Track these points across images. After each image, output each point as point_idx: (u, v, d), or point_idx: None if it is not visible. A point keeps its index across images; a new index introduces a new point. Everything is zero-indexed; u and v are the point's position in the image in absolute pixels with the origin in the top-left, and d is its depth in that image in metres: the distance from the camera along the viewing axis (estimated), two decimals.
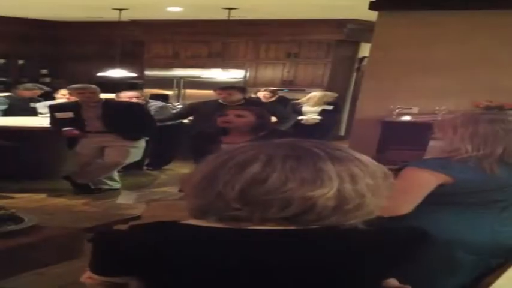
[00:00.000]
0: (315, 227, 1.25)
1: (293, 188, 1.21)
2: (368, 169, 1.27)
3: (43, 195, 6.62)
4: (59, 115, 6.79)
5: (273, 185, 1.22)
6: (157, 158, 8.36)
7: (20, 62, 12.76)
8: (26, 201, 6.21)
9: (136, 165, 7.63)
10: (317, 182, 1.22)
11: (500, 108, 5.44)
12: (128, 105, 7.23)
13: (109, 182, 6.95)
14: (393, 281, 1.47)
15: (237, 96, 6.91)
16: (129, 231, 1.35)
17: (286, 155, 1.25)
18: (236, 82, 10.65)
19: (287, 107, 9.09)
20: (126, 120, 6.65)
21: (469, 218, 2.29)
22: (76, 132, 6.69)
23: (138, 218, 3.82)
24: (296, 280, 1.26)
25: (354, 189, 1.24)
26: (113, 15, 10.49)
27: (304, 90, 10.09)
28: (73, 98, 7.06)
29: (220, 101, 6.93)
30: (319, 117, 9.05)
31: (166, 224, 1.34)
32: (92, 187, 6.83)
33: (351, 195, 1.24)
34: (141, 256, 1.27)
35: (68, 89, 7.26)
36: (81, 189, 6.77)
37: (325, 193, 1.22)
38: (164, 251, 1.26)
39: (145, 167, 8.28)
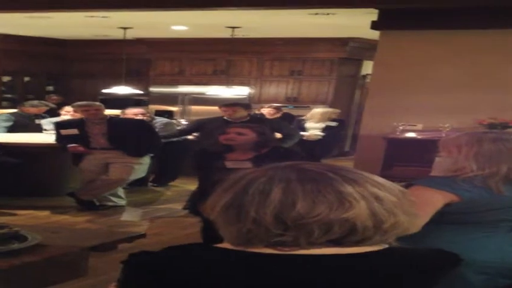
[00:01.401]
0: (363, 251, 1.25)
1: (324, 211, 1.21)
2: (386, 188, 1.28)
3: (47, 212, 6.62)
4: (64, 132, 6.82)
5: (303, 209, 1.21)
6: (162, 174, 8.37)
7: (26, 79, 12.84)
8: (30, 218, 6.22)
9: (142, 182, 7.64)
10: (345, 204, 1.22)
11: (504, 125, 5.45)
12: (133, 122, 7.26)
13: (114, 199, 6.96)
14: None
15: (242, 113, 6.92)
16: (166, 254, 1.32)
17: (301, 179, 1.25)
18: (240, 99, 10.70)
19: (293, 124, 9.12)
20: (131, 137, 6.68)
21: (478, 237, 2.28)
22: (81, 148, 6.72)
23: (143, 236, 3.83)
24: None
25: (384, 209, 1.24)
26: (118, 34, 10.59)
27: (308, 107, 10.15)
28: (78, 115, 7.09)
29: (225, 117, 6.94)
30: (321, 134, 9.06)
31: (207, 247, 1.32)
32: (97, 204, 6.84)
33: (384, 214, 1.24)
34: (179, 283, 1.25)
35: (73, 106, 7.30)
36: (86, 205, 6.77)
37: (359, 214, 1.22)
38: (209, 278, 1.24)
39: (150, 184, 8.29)
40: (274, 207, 1.22)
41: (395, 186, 1.30)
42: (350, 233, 1.23)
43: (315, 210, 1.21)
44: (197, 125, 7.74)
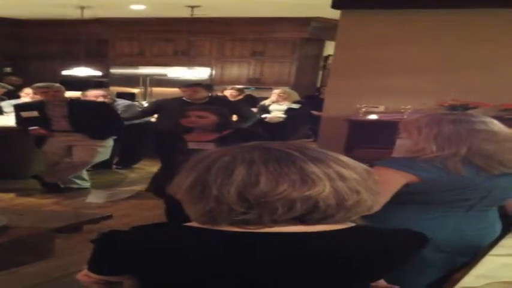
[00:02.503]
0: (328, 229, 1.28)
1: (287, 190, 1.24)
2: (350, 167, 1.31)
3: (11, 195, 6.55)
4: (24, 114, 6.73)
5: (266, 187, 1.24)
6: (126, 156, 8.33)
7: None
8: None
9: (105, 164, 7.60)
10: (308, 182, 1.25)
11: (465, 107, 5.49)
12: (94, 105, 7.18)
13: (78, 181, 6.91)
14: (381, 282, 1.50)
15: (202, 93, 6.91)
16: (132, 232, 1.36)
17: (265, 158, 1.27)
18: (202, 80, 10.65)
19: (257, 106, 9.16)
20: (93, 120, 6.62)
21: (437, 216, 2.31)
22: (43, 131, 6.65)
23: (109, 217, 3.85)
24: (307, 278, 1.28)
25: (347, 187, 1.27)
26: (76, 13, 10.40)
27: (271, 88, 10.13)
28: (37, 97, 7.00)
29: (184, 98, 6.94)
30: (283, 116, 9.10)
31: (175, 226, 1.36)
32: (62, 186, 6.79)
33: (347, 192, 1.27)
34: (142, 257, 1.28)
35: (32, 88, 7.19)
36: (51, 188, 6.71)
37: (321, 192, 1.25)
38: (173, 253, 1.27)
39: (114, 166, 8.25)
40: (237, 185, 1.25)
41: (360, 165, 1.33)
42: (312, 211, 1.26)
43: (277, 188, 1.24)
44: (156, 106, 7.71)
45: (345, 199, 1.27)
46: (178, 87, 7.35)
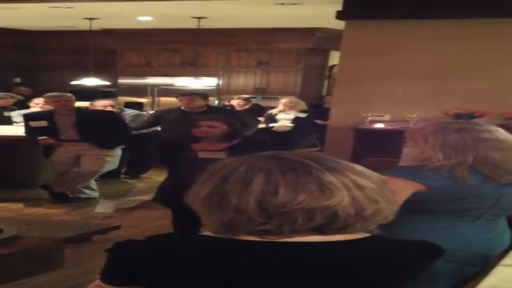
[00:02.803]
0: (346, 238, 1.28)
1: (306, 199, 1.23)
2: (366, 176, 1.30)
3: (20, 205, 6.57)
4: (33, 124, 6.78)
5: (285, 197, 1.23)
6: (134, 166, 8.35)
7: None
8: (3, 211, 6.16)
9: (114, 174, 7.62)
10: (326, 192, 1.24)
11: (471, 115, 5.50)
12: (102, 114, 7.24)
13: (87, 191, 6.94)
14: None
15: (199, 102, 6.98)
16: (147, 241, 1.35)
17: (282, 168, 1.27)
18: (209, 90, 10.72)
19: (264, 115, 9.19)
20: (101, 129, 6.66)
21: (445, 226, 2.29)
22: (51, 141, 6.69)
23: (117, 227, 3.86)
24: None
25: (364, 196, 1.26)
26: (85, 25, 10.49)
27: (277, 98, 10.18)
28: (47, 107, 7.05)
29: (182, 108, 6.99)
30: (290, 125, 9.12)
31: (191, 235, 1.35)
32: (70, 196, 6.81)
33: (365, 201, 1.26)
34: (157, 267, 1.28)
35: (44, 97, 7.25)
36: (59, 198, 6.74)
37: (340, 201, 1.24)
38: (190, 263, 1.26)
39: (122, 176, 8.27)
40: (256, 195, 1.24)
41: (376, 175, 1.33)
42: (332, 221, 1.25)
43: (296, 198, 1.23)
44: (156, 117, 7.76)
45: (364, 208, 1.26)
46: (175, 97, 7.40)
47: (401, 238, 1.41)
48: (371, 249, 1.31)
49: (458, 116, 5.46)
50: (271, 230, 1.25)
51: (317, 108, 9.91)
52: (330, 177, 1.26)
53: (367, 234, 1.32)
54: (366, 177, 1.30)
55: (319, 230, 1.26)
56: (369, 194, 1.27)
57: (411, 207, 2.21)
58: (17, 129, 7.33)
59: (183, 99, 7.08)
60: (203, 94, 7.58)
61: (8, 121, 8.07)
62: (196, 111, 6.56)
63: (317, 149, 8.51)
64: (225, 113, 6.35)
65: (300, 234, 1.26)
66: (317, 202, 1.23)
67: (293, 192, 1.24)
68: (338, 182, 1.25)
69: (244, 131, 6.79)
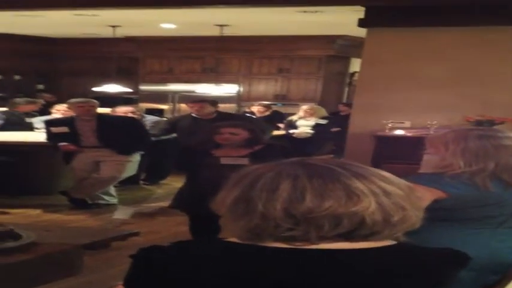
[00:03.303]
0: (374, 246, 1.26)
1: (333, 205, 1.22)
2: (393, 182, 1.28)
3: (39, 211, 6.62)
4: (54, 130, 6.84)
5: (312, 203, 1.22)
6: (153, 172, 8.38)
7: (17, 77, 12.81)
8: (22, 217, 6.21)
9: (133, 180, 7.65)
10: (353, 198, 1.23)
11: (491, 122, 5.46)
12: (123, 120, 7.28)
13: (106, 197, 6.97)
14: None
15: (209, 109, 7.01)
16: (172, 247, 1.32)
17: (309, 174, 1.26)
18: (230, 97, 10.75)
19: (284, 121, 9.19)
20: (121, 135, 6.70)
21: (467, 233, 2.28)
22: (72, 147, 6.73)
23: (136, 234, 3.86)
24: None
25: (392, 203, 1.25)
26: (108, 32, 10.58)
27: (297, 105, 10.19)
28: (68, 113, 7.10)
29: (193, 114, 7.00)
30: (310, 131, 9.11)
31: (216, 241, 1.33)
32: (89, 202, 6.85)
33: (392, 208, 1.25)
34: (184, 274, 1.26)
35: (68, 103, 7.31)
36: (78, 204, 6.78)
37: (367, 207, 1.23)
38: (219, 272, 1.25)
39: (141, 182, 8.30)
40: (283, 201, 1.23)
41: (402, 181, 1.30)
42: (359, 227, 1.23)
43: (323, 204, 1.22)
44: (170, 125, 7.81)
45: (391, 215, 1.25)
46: (185, 103, 7.42)
47: (426, 246, 1.39)
48: (398, 256, 1.29)
49: (479, 123, 5.44)
50: (297, 236, 1.24)
51: (335, 116, 9.91)
52: (357, 183, 1.24)
53: (394, 242, 1.30)
54: (393, 183, 1.28)
55: (346, 237, 1.24)
56: (396, 201, 1.26)
57: (431, 214, 2.18)
58: (38, 136, 7.39)
59: (193, 106, 7.13)
60: (213, 101, 7.61)
61: (30, 127, 8.15)
62: (206, 117, 6.58)
63: (331, 156, 8.48)
64: (236, 119, 6.34)
65: (327, 240, 1.25)
66: (344, 208, 1.22)
67: (320, 198, 1.22)
68: (365, 188, 1.24)
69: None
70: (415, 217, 1.30)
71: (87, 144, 6.76)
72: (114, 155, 6.70)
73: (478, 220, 2.28)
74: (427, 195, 2.19)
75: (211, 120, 6.12)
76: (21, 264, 2.93)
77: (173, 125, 7.60)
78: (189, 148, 4.88)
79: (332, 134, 9.14)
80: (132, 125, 7.10)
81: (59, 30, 11.39)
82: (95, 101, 7.04)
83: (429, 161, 2.38)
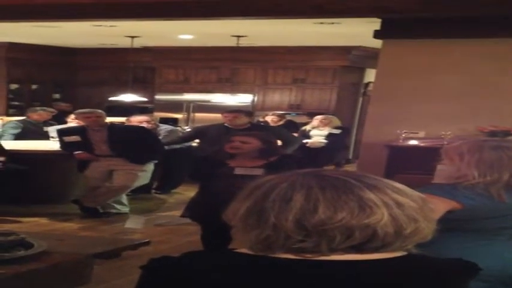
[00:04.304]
0: (384, 257, 1.26)
1: (346, 217, 1.22)
2: (406, 194, 1.28)
3: (50, 220, 6.64)
4: (66, 139, 6.88)
5: (324, 215, 1.22)
6: (165, 181, 8.39)
7: (34, 86, 12.93)
8: (33, 225, 6.24)
9: (145, 189, 7.66)
10: (366, 210, 1.22)
11: (506, 133, 5.46)
12: (134, 129, 7.30)
13: (117, 206, 6.98)
14: None
15: (243, 119, 6.97)
16: (183, 258, 1.32)
17: (322, 185, 1.25)
18: (244, 106, 10.76)
19: (298, 131, 9.19)
20: (132, 144, 6.71)
21: (479, 244, 2.28)
22: (87, 155, 6.75)
23: (147, 243, 3.84)
24: None
25: (405, 215, 1.25)
26: (126, 42, 10.67)
27: (311, 114, 10.20)
28: (81, 122, 7.13)
29: (226, 124, 6.98)
30: (324, 141, 9.11)
31: (227, 252, 1.33)
32: (100, 211, 6.86)
33: (405, 220, 1.25)
34: (190, 284, 1.25)
35: (75, 114, 7.37)
36: (89, 213, 6.80)
37: (380, 220, 1.23)
38: (230, 283, 1.24)
39: (153, 191, 8.31)
40: (295, 212, 1.22)
41: (415, 193, 1.30)
42: (371, 239, 1.23)
43: (336, 216, 1.21)
44: (196, 133, 7.78)
45: (403, 227, 1.24)
46: (221, 113, 7.41)
47: (434, 256, 1.38)
48: (409, 267, 1.28)
49: (493, 134, 5.45)
50: (308, 248, 1.24)
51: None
52: (370, 195, 1.24)
53: (404, 253, 1.29)
54: (406, 195, 1.27)
55: (357, 249, 1.24)
56: (409, 213, 1.25)
57: (445, 225, 2.18)
58: (53, 144, 7.43)
59: (227, 115, 7.07)
60: (248, 111, 7.60)
61: (47, 136, 8.20)
62: (239, 128, 6.54)
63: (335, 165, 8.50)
64: (267, 130, 6.31)
65: (338, 252, 1.24)
66: (357, 220, 1.22)
67: (333, 209, 1.22)
68: (378, 200, 1.23)
69: (287, 147, 6.82)
70: (428, 229, 1.29)
71: (100, 153, 6.78)
72: (127, 164, 6.71)
73: (491, 231, 2.30)
74: (441, 206, 2.20)
75: (243, 130, 6.09)
76: (31, 273, 2.92)
77: (200, 133, 7.58)
78: (205, 157, 4.87)
79: (345, 143, 9.16)
80: (143, 134, 7.10)
81: (77, 41, 11.50)
82: (100, 111, 7.05)
83: (443, 172, 2.39)
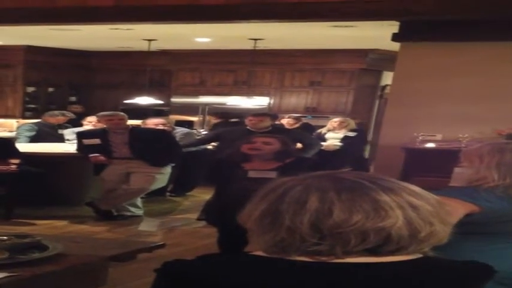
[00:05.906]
0: (398, 260, 1.25)
1: (361, 220, 1.21)
2: (422, 197, 1.27)
3: (65, 222, 6.67)
4: (86, 142, 6.91)
5: (339, 218, 1.21)
6: (180, 184, 8.40)
7: (50, 89, 13.02)
8: (48, 228, 6.26)
9: (159, 192, 7.67)
10: (381, 213, 1.22)
11: None
12: (155, 132, 7.33)
13: (132, 209, 6.99)
14: None
15: (267, 122, 6.99)
16: (198, 261, 1.31)
17: (337, 188, 1.25)
18: (260, 109, 10.76)
19: (314, 134, 9.17)
20: (153, 147, 6.74)
21: (498, 247, 2.27)
22: (103, 158, 6.77)
23: (162, 246, 3.83)
24: None
25: (420, 218, 1.24)
26: (142, 45, 10.71)
27: (328, 117, 10.18)
28: (99, 125, 7.15)
29: (248, 127, 6.98)
30: (339, 144, 9.07)
31: (241, 255, 1.32)
32: (115, 213, 6.87)
33: (420, 223, 1.24)
34: (204, 287, 1.25)
35: (97, 116, 7.39)
36: (104, 215, 6.81)
37: (395, 223, 1.22)
38: (238, 283, 1.24)
39: (168, 193, 8.32)
40: (310, 215, 1.22)
41: (431, 196, 1.29)
42: (385, 242, 1.22)
43: (351, 219, 1.21)
44: (215, 136, 7.77)
45: (418, 231, 1.23)
46: (246, 117, 7.41)
47: (451, 259, 1.37)
48: (424, 270, 1.27)
49: (510, 136, 5.40)
50: (323, 251, 1.23)
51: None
52: (385, 198, 1.23)
53: (419, 255, 1.28)
54: (422, 198, 1.26)
55: (372, 252, 1.24)
56: (425, 216, 1.24)
57: (464, 228, 2.18)
58: (69, 147, 7.47)
59: (252, 119, 7.11)
60: (274, 115, 7.62)
61: (62, 139, 8.23)
62: (261, 131, 6.54)
63: (350, 168, 8.45)
64: (288, 133, 6.31)
65: (352, 255, 1.23)
66: (372, 223, 1.21)
67: (348, 212, 1.22)
68: (393, 203, 1.23)
69: (308, 150, 6.80)
70: (443, 232, 1.28)
71: (120, 155, 6.81)
72: (145, 167, 6.73)
73: (509, 234, 2.30)
74: (459, 209, 2.19)
75: (265, 133, 6.08)
76: (46, 276, 2.92)
77: (220, 135, 7.59)
78: (221, 160, 4.86)
79: (361, 146, 9.13)
80: (163, 137, 7.14)
81: (93, 44, 11.55)
82: (123, 113, 7.10)
83: (462, 174, 2.39)
